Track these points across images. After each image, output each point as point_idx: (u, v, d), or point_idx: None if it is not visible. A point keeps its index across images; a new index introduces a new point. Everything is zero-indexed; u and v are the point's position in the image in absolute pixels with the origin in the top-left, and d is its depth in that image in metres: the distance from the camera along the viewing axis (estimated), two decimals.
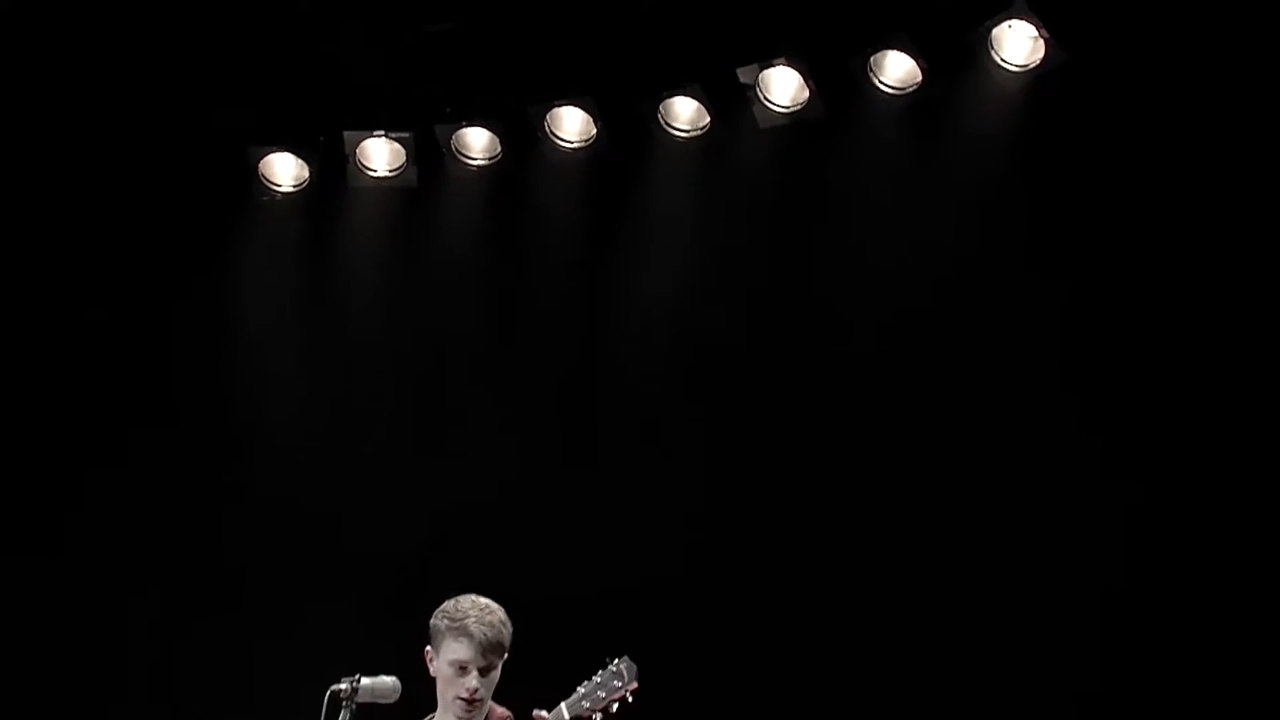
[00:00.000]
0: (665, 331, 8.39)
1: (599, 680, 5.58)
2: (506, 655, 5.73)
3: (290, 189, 8.51)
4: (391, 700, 5.55)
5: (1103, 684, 7.61)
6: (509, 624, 5.70)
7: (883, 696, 7.75)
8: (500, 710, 5.74)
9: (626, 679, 5.57)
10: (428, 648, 5.71)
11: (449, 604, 5.71)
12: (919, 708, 7.70)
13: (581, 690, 5.57)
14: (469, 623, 5.64)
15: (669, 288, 8.36)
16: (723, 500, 8.17)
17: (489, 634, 5.61)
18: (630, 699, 5.56)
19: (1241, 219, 7.63)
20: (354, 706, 5.45)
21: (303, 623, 8.33)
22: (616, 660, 5.62)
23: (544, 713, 5.58)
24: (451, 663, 5.63)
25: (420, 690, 5.85)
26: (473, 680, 5.62)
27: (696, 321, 8.34)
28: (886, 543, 7.94)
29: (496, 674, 5.69)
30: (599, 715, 5.55)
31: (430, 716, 5.79)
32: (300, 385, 8.75)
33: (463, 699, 5.64)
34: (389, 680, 5.53)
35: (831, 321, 8.15)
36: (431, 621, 5.69)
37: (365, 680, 5.45)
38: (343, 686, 5.42)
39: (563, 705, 5.54)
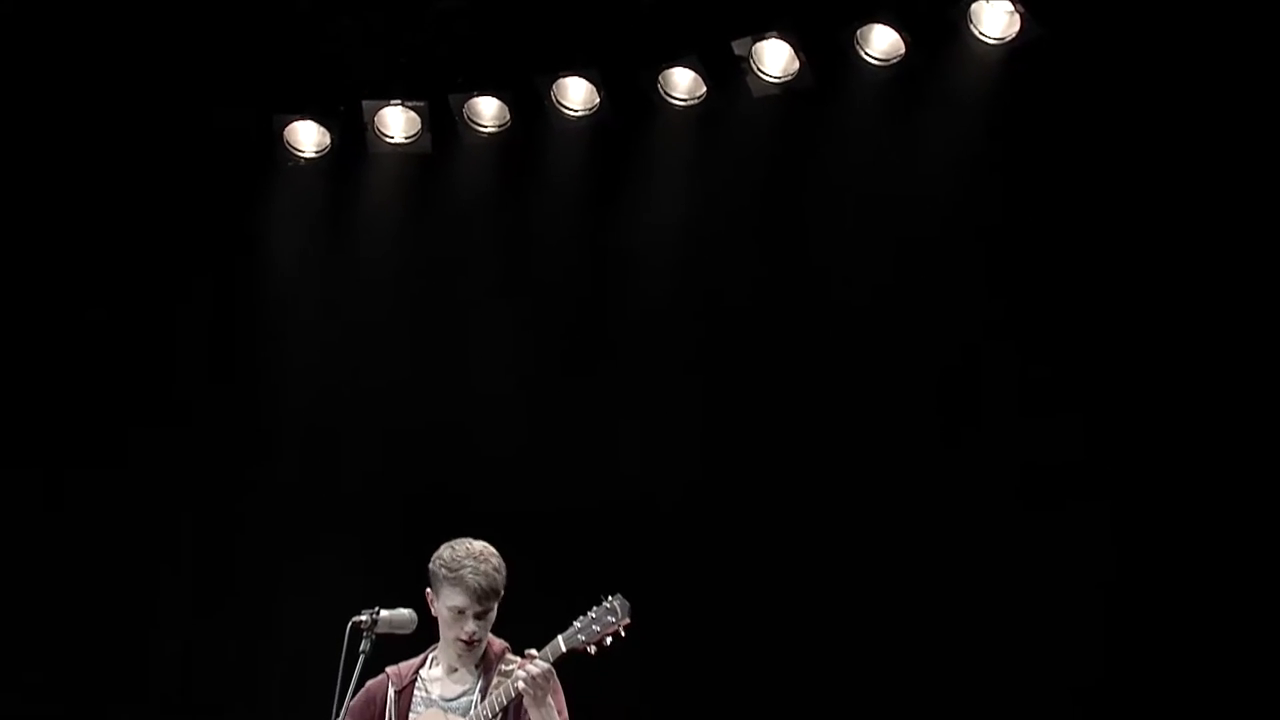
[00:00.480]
0: (665, 286, 8.38)
1: (593, 615, 5.58)
2: (501, 595, 5.82)
3: (313, 155, 8.61)
4: (408, 631, 5.67)
5: (1097, 676, 7.54)
6: (502, 570, 5.78)
7: (874, 621, 7.72)
8: (499, 642, 5.85)
9: (619, 615, 5.58)
10: (429, 589, 5.82)
11: (446, 551, 5.81)
12: (912, 636, 7.66)
13: (576, 625, 5.59)
14: (465, 573, 5.73)
15: (668, 246, 8.39)
16: (721, 457, 8.15)
17: (483, 583, 5.70)
18: (623, 634, 5.59)
19: (1217, 189, 7.62)
20: (374, 637, 5.52)
21: (324, 554, 8.36)
22: (610, 597, 5.62)
23: (534, 651, 5.67)
24: (450, 608, 5.74)
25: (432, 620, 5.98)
26: (470, 624, 5.74)
27: (694, 278, 8.35)
28: (877, 479, 7.91)
29: (493, 616, 5.80)
30: (592, 648, 5.57)
31: (434, 647, 5.92)
32: (323, 333, 8.75)
33: (462, 640, 5.76)
34: (406, 612, 5.65)
35: (821, 276, 8.16)
36: (430, 567, 5.79)
37: (384, 613, 5.57)
38: (363, 618, 5.52)
39: (559, 638, 5.58)
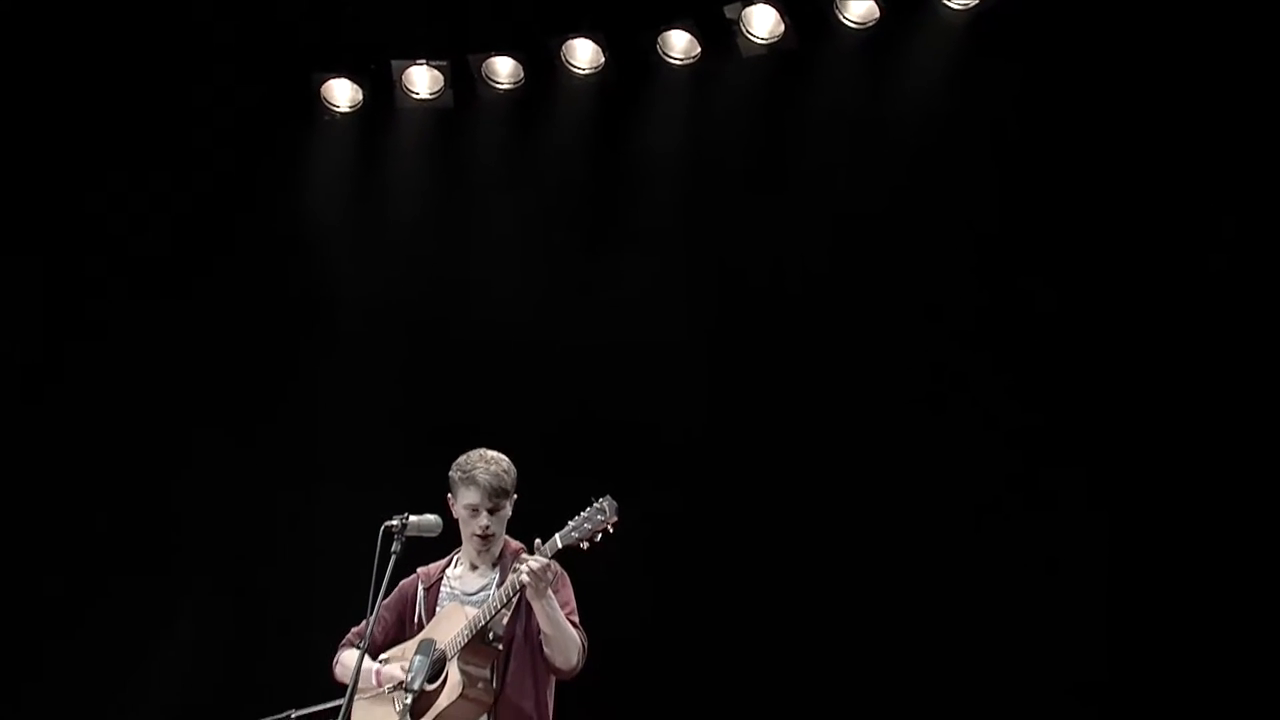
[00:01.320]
0: (662, 227, 8.45)
1: (585, 515, 5.69)
2: (514, 496, 6.04)
3: (347, 110, 8.78)
4: (434, 534, 5.83)
5: (1097, 673, 7.45)
6: (512, 472, 6.00)
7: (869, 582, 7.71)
8: (514, 543, 6.06)
9: (608, 514, 5.67)
10: (449, 494, 6.03)
11: (461, 458, 6.02)
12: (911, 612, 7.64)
13: (571, 524, 5.69)
14: (476, 473, 5.95)
15: (666, 189, 8.49)
16: (721, 389, 8.21)
17: (493, 481, 5.92)
18: (611, 530, 5.68)
19: (1179, 149, 7.63)
20: (404, 539, 5.68)
21: (359, 466, 8.41)
22: (599, 499, 5.71)
23: (540, 541, 5.80)
24: (466, 506, 5.96)
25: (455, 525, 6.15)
26: (484, 519, 5.96)
27: (690, 219, 8.43)
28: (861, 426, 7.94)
29: (505, 512, 6.02)
30: (585, 544, 5.67)
31: (458, 549, 6.13)
32: (354, 271, 8.82)
33: (478, 535, 5.98)
34: (432, 518, 5.80)
35: (802, 218, 8.20)
36: (449, 474, 6.00)
37: (413, 518, 5.72)
38: (394, 523, 5.68)
39: (556, 536, 5.70)
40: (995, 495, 7.65)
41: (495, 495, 5.96)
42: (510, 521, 6.13)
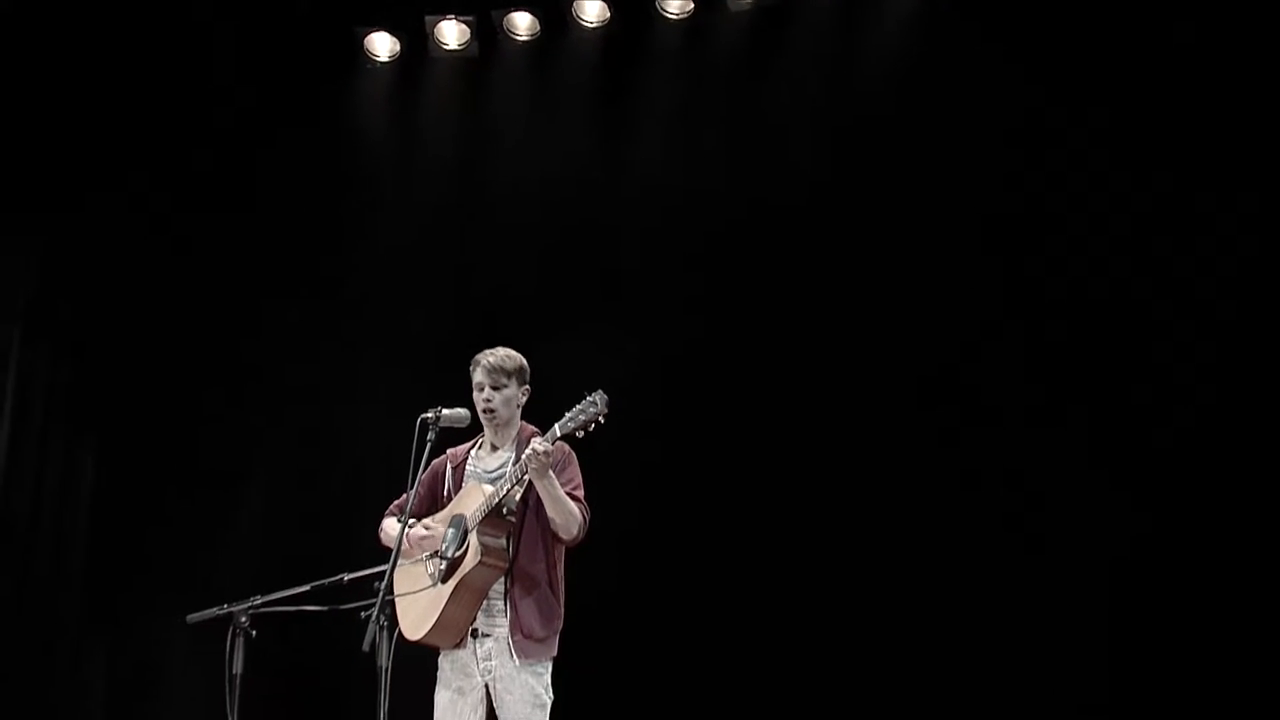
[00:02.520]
0: (657, 162, 8.54)
1: (580, 407, 5.83)
2: (522, 382, 6.23)
3: (386, 60, 8.95)
4: (463, 425, 6.01)
5: (1098, 682, 7.26)
6: (513, 358, 6.21)
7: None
8: (529, 428, 6.23)
9: (600, 407, 5.80)
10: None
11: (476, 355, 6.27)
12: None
13: (567, 415, 5.84)
14: (479, 357, 6.22)
15: (663, 130, 8.61)
16: (717, 325, 8.19)
17: (493, 361, 6.17)
18: (603, 421, 5.80)
19: (1125, 117, 7.63)
20: (437, 428, 5.86)
21: (396, 367, 8.52)
22: (592, 393, 5.83)
23: (540, 436, 5.96)
24: (474, 385, 6.20)
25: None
26: (486, 394, 6.18)
27: (683, 157, 8.50)
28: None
29: (507, 393, 6.19)
30: (581, 432, 5.82)
31: (481, 434, 6.33)
32: (392, 198, 8.97)
33: (482, 410, 6.19)
34: (462, 411, 5.99)
35: (786, 154, 8.29)
36: (469, 368, 6.26)
37: (445, 410, 5.90)
38: (429, 415, 5.86)
39: (555, 426, 5.85)
40: (976, 472, 7.58)
41: (493, 374, 6.17)
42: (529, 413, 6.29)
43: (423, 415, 5.91)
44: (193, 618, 6.28)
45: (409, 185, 9.00)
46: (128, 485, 8.52)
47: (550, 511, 5.99)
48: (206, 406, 8.59)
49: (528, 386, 6.29)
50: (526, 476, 5.93)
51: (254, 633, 6.11)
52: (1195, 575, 7.17)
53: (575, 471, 6.14)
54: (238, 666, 6.08)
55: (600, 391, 5.86)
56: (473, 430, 6.24)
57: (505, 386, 6.22)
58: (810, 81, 8.40)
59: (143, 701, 8.20)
